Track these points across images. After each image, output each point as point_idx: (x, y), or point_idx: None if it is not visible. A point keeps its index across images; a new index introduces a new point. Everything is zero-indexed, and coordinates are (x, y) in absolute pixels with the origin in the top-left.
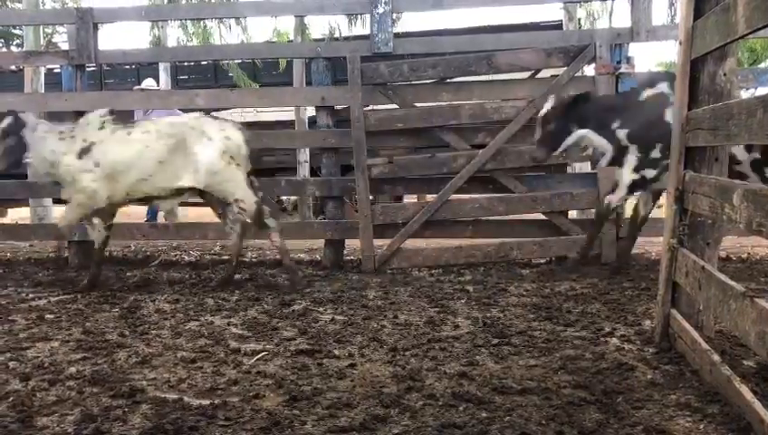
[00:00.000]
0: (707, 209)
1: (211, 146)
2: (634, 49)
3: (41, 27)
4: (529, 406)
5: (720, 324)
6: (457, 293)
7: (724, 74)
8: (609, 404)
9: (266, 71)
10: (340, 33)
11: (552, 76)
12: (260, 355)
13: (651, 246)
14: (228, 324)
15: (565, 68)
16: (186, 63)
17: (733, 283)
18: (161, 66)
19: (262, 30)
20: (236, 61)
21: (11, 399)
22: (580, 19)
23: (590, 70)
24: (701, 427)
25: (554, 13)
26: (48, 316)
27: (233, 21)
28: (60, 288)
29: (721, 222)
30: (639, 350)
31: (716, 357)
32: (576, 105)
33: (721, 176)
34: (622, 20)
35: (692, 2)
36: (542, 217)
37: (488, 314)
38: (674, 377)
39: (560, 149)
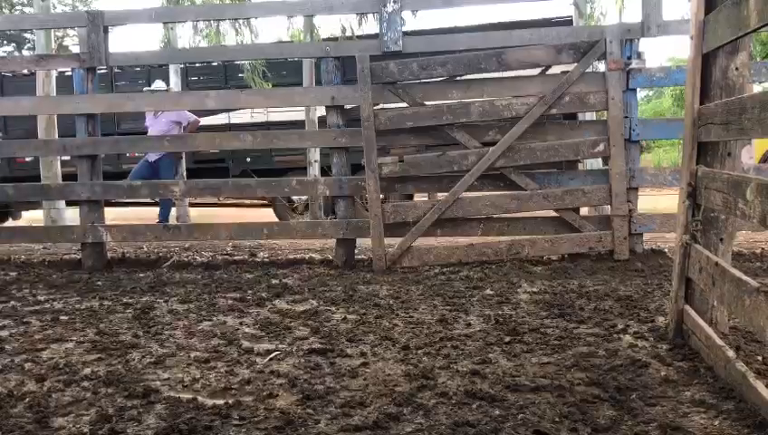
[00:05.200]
0: (720, 205)
1: None
2: (645, 44)
3: (52, 31)
4: (542, 403)
5: (734, 320)
6: (469, 291)
7: (736, 68)
8: (622, 401)
9: (275, 71)
10: (353, 32)
11: (562, 72)
12: (273, 355)
13: (664, 242)
14: (241, 324)
15: (576, 64)
16: (196, 65)
17: (747, 278)
18: (172, 68)
19: (272, 31)
20: (248, 61)
21: (27, 400)
22: (590, 15)
23: (600, 65)
24: (716, 423)
25: (564, 9)
26: (62, 318)
27: (242, 22)
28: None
29: (734, 217)
30: (653, 346)
31: (731, 353)
32: None
33: (734, 171)
34: (633, 15)
35: None
36: (553, 213)
37: (500, 312)
38: (688, 373)
39: None
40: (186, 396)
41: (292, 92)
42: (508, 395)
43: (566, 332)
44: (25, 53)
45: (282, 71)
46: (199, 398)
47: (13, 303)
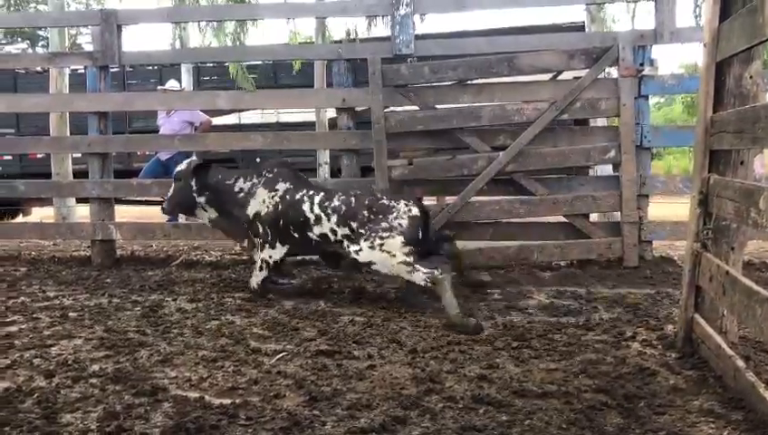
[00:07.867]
0: (732, 213)
1: None
2: (657, 51)
3: (65, 29)
4: (549, 410)
5: (744, 330)
6: (477, 295)
7: (750, 77)
8: (630, 409)
9: (286, 72)
10: (357, 33)
11: (574, 78)
12: (280, 355)
13: (674, 249)
14: (249, 324)
15: (588, 70)
16: (208, 65)
17: (758, 287)
18: (183, 67)
19: (282, 32)
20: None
21: (36, 395)
22: (602, 20)
23: (613, 72)
24: (725, 433)
25: (577, 14)
26: (71, 314)
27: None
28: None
29: (746, 226)
30: (662, 354)
31: (740, 363)
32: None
33: (746, 179)
34: (646, 22)
35: (718, 3)
36: (563, 219)
37: (508, 317)
38: (697, 382)
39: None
40: (193, 395)
41: (304, 94)
42: (515, 401)
43: (574, 338)
44: (39, 50)
45: (292, 72)
46: (206, 397)
47: (23, 298)
